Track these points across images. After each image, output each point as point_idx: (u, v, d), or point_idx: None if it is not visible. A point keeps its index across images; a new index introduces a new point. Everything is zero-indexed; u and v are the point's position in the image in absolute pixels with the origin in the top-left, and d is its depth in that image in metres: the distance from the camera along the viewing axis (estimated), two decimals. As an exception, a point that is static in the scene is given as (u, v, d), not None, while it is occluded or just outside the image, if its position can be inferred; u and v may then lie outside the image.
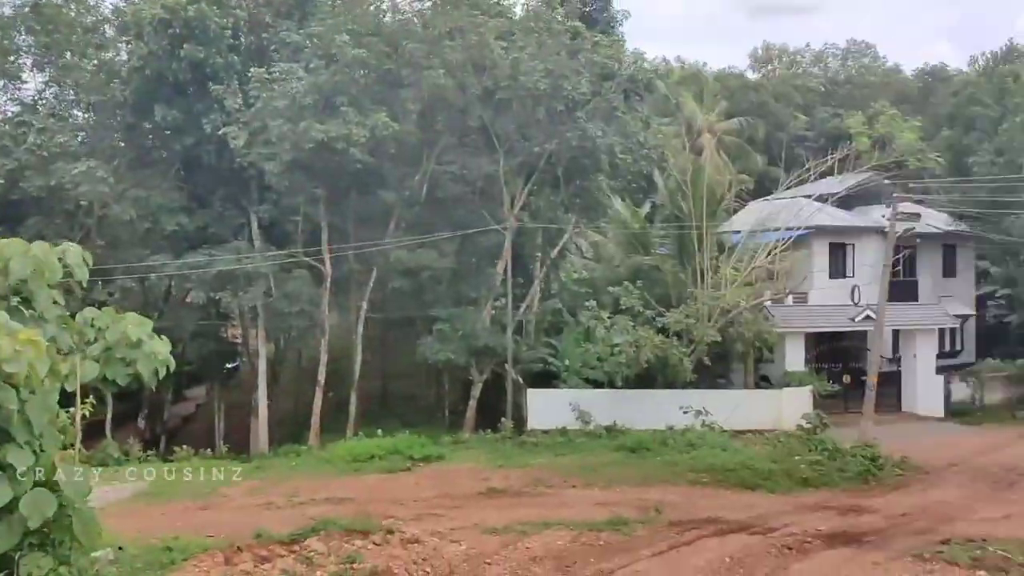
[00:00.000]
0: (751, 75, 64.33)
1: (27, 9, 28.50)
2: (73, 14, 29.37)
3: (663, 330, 27.09)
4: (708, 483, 20.63)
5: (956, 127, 38.89)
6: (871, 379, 25.40)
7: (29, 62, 30.13)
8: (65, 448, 5.21)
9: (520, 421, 27.11)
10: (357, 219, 28.97)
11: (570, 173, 28.98)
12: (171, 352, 5.74)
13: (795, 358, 30.15)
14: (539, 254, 30.23)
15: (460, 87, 26.85)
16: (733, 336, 28.20)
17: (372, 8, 28.41)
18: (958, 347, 37.25)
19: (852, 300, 32.32)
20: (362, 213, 28.90)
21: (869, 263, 32.71)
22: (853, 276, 34.08)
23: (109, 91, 28.55)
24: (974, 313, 38.08)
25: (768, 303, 29.89)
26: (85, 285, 6.02)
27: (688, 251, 29.52)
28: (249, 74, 26.50)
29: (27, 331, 4.73)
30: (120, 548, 9.99)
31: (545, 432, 25.84)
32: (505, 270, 28.43)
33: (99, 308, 5.78)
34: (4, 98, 31.11)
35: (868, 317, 28.52)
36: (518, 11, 30.99)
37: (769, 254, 29.30)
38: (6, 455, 4.72)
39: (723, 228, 31.41)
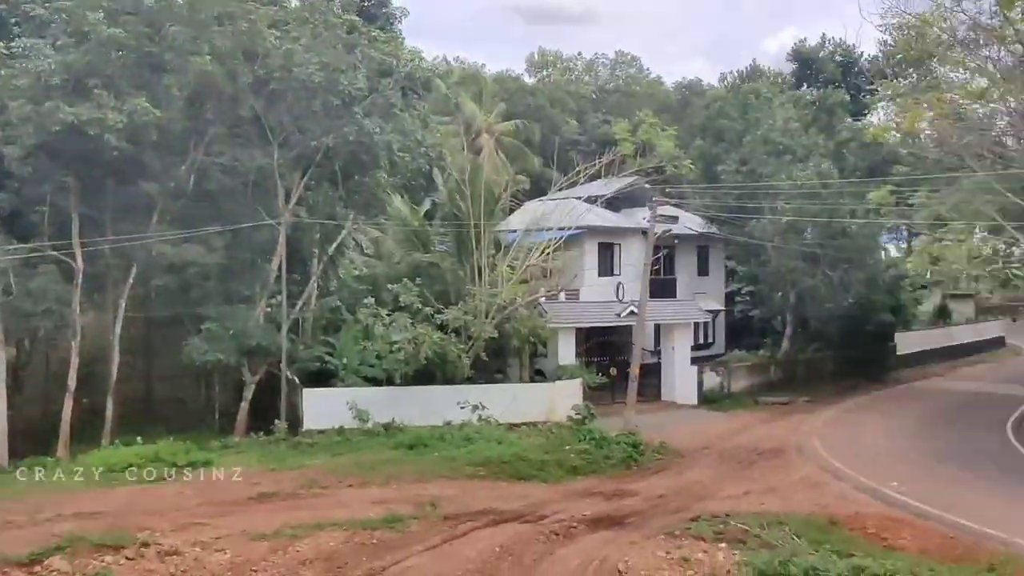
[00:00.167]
0: (528, 79, 66.50)
1: None
2: None
3: (442, 327, 27.35)
4: (485, 476, 21.09)
5: (707, 137, 42.12)
6: (634, 371, 27.11)
7: None
8: None
9: (296, 422, 26.34)
10: (115, 211, 26.77)
11: (348, 168, 28.51)
12: None
13: (567, 352, 31.50)
14: (317, 250, 29.50)
15: (230, 75, 25.61)
16: (509, 332, 29.01)
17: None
18: (710, 340, 40.53)
19: (617, 297, 34.28)
20: (121, 204, 26.73)
21: (633, 262, 34.82)
22: (620, 274, 36.12)
23: None
24: (724, 308, 41.54)
25: (542, 300, 31.02)
26: None
27: (466, 249, 30.03)
28: (-15, 48, 23.83)
29: None
30: None
31: (322, 432, 25.33)
32: (280, 266, 27.50)
33: None
34: None
35: (632, 313, 30.37)
36: (293, 1, 30.09)
37: (543, 252, 30.43)
38: None
39: (500, 227, 32.21)
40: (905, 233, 44.90)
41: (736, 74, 61.77)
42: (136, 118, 23.55)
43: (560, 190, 33.49)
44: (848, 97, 44.91)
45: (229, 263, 27.92)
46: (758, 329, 41.18)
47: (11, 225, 26.86)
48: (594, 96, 66.04)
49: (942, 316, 55.47)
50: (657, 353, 35.19)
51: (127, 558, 13.25)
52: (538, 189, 42.24)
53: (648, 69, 73.79)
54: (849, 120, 43.17)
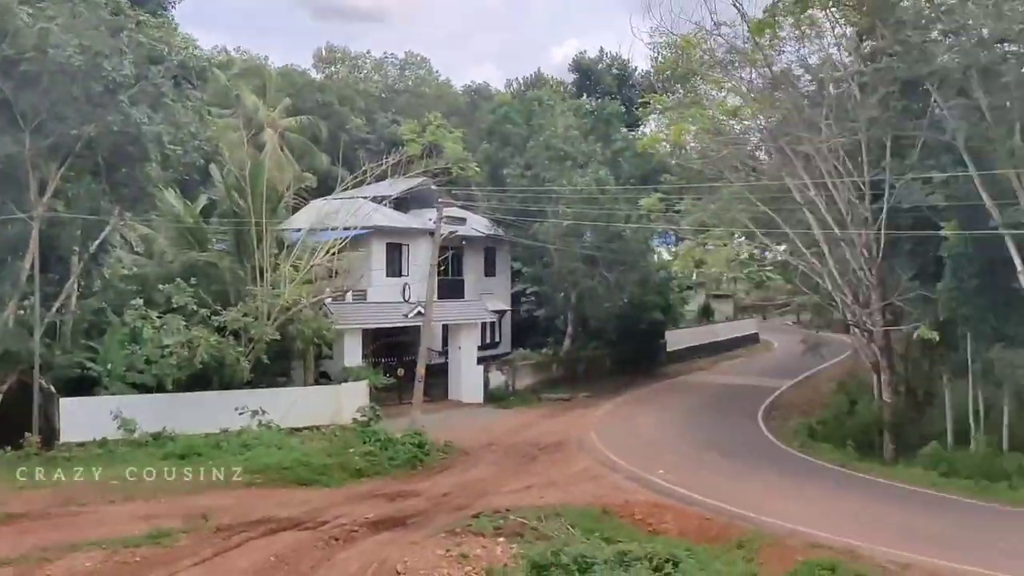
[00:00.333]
0: (315, 75, 64.87)
1: None
2: None
3: (220, 329, 26.08)
4: (263, 484, 20.40)
5: (494, 141, 42.98)
6: (420, 371, 27.21)
7: None
8: None
9: (52, 435, 24.08)
10: None
11: (114, 160, 26.33)
12: None
13: (353, 354, 31.07)
14: (77, 248, 27.11)
15: (-28, 52, 23.02)
16: (293, 333, 28.15)
17: None
18: (497, 339, 41.49)
19: (404, 298, 34.26)
20: None
21: (421, 263, 34.87)
22: (408, 275, 36.08)
23: None
24: (510, 308, 42.60)
25: (328, 300, 30.39)
26: None
27: (247, 248, 28.78)
28: None
29: None
30: None
31: (81, 445, 23.33)
32: (33, 265, 25.01)
33: None
34: None
35: (420, 313, 30.44)
36: (49, -25, 27.45)
37: (329, 252, 29.81)
38: None
39: (284, 225, 31.17)
40: (673, 237, 48.13)
41: (521, 81, 63.59)
42: None
43: (347, 189, 32.91)
44: (623, 108, 47.40)
45: (-29, 261, 25.06)
46: (543, 328, 42.59)
47: None
48: (383, 95, 65.50)
49: (706, 315, 60.17)
50: (444, 353, 35.51)
51: None
52: (325, 187, 41.14)
53: (438, 71, 74.37)
54: (624, 130, 45.60)
